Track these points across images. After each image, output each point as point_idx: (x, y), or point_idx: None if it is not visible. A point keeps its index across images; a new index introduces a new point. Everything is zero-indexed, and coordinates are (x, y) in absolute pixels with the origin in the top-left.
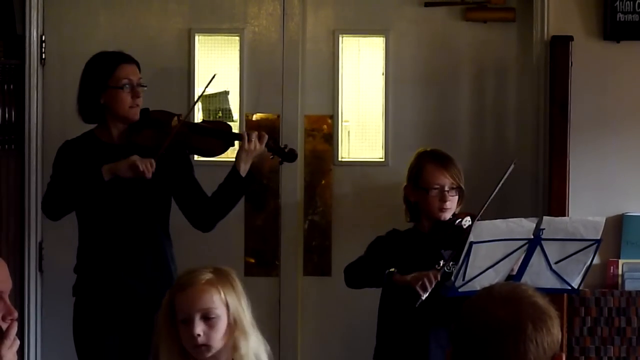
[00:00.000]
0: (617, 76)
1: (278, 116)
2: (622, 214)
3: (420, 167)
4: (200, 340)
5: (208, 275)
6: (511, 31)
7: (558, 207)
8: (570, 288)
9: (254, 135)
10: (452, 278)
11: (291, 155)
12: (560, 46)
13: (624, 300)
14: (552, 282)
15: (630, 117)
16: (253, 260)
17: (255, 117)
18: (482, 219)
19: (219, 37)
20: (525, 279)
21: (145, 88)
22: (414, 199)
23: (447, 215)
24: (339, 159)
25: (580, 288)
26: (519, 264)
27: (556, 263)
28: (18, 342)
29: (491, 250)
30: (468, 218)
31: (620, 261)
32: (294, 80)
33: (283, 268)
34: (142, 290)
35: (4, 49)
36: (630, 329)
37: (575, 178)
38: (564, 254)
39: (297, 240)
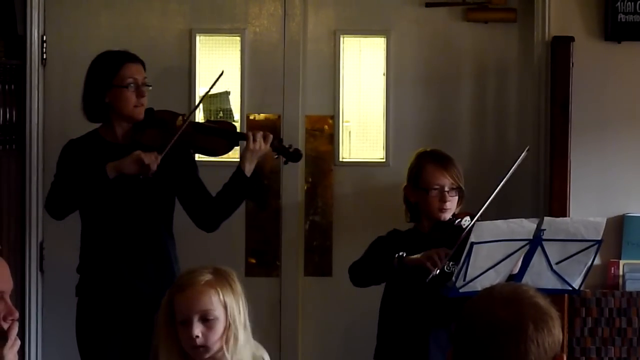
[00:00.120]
0: (618, 77)
1: (279, 116)
2: (623, 215)
3: (420, 167)
4: (199, 341)
5: (207, 277)
6: (512, 32)
7: (559, 207)
8: (571, 288)
9: (259, 135)
10: (453, 278)
11: (296, 155)
12: (561, 47)
13: (625, 301)
14: (553, 283)
15: (631, 118)
16: (254, 261)
17: (256, 117)
18: (483, 218)
19: (220, 38)
20: (526, 279)
21: (150, 88)
22: (414, 200)
23: (447, 216)
24: (340, 159)
25: (581, 289)
26: (520, 264)
27: (557, 263)
28: (19, 342)
29: (492, 251)
30: (468, 218)
31: (621, 262)
32: (295, 81)
33: (284, 268)
34: (145, 291)
35: (4, 49)
36: (631, 329)
37: (576, 178)
38: (564, 254)
39: (298, 241)
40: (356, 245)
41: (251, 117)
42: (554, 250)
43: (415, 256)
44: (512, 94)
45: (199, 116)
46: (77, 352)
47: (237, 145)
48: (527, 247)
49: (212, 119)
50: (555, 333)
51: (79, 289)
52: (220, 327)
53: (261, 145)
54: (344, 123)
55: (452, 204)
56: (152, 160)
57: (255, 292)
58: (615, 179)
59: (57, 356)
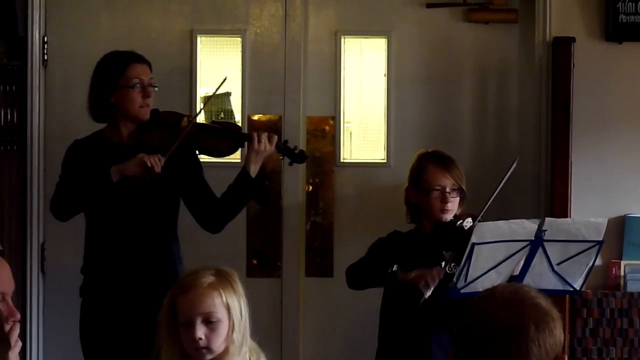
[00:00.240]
0: (619, 77)
1: (280, 117)
2: (624, 215)
3: (422, 168)
4: (202, 343)
5: (210, 278)
6: (513, 32)
7: (560, 208)
8: (572, 289)
9: (264, 136)
10: (454, 279)
11: (301, 157)
12: (562, 47)
13: (626, 302)
14: (554, 284)
15: (633, 118)
16: (255, 261)
17: (257, 118)
18: (484, 220)
19: (221, 38)
20: (528, 280)
21: (156, 88)
22: (415, 200)
23: (449, 217)
24: (341, 160)
25: (583, 289)
26: (521, 265)
27: (558, 264)
28: (20, 343)
29: (493, 252)
30: (469, 219)
31: (622, 262)
32: (296, 82)
33: (285, 269)
34: (149, 292)
35: (6, 50)
36: (632, 330)
37: (578, 179)
38: (566, 255)
39: (299, 242)
40: (357, 246)
41: (254, 118)
42: (555, 251)
43: (408, 274)
44: (513, 95)
45: (201, 117)
46: (78, 353)
47: (243, 146)
48: (528, 248)
49: (214, 119)
50: (557, 334)
51: (83, 289)
52: (223, 329)
53: (266, 146)
54: (345, 124)
55: (453, 205)
56: (156, 162)
57: (256, 292)
58: (617, 180)
59: (58, 357)
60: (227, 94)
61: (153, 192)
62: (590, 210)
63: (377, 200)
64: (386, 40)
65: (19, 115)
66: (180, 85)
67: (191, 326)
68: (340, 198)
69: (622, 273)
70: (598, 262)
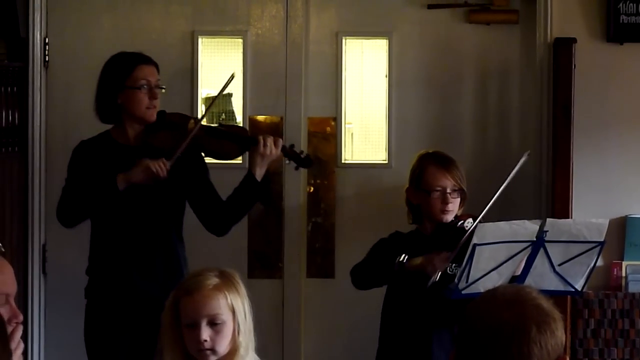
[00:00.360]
0: (620, 78)
1: (281, 118)
2: (626, 216)
3: (422, 169)
4: (207, 345)
5: (215, 280)
6: (514, 33)
7: (561, 209)
8: (573, 290)
9: (270, 140)
10: (456, 280)
11: (307, 161)
12: (563, 48)
13: (628, 302)
14: (555, 284)
15: (634, 119)
16: (256, 262)
17: (258, 119)
18: (485, 220)
19: (222, 40)
20: (529, 281)
21: (164, 90)
22: (416, 201)
23: (449, 217)
24: (342, 161)
25: (584, 290)
26: (523, 266)
27: (560, 265)
28: (22, 345)
29: (494, 252)
30: (470, 220)
31: (624, 263)
32: (297, 83)
33: (286, 270)
34: (154, 293)
35: (7, 51)
36: (633, 331)
37: (579, 180)
38: (567, 256)
39: (301, 242)
40: (359, 247)
41: (259, 119)
42: (556, 252)
43: (415, 260)
44: (514, 96)
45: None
46: (79, 354)
47: (249, 150)
48: (529, 249)
49: (215, 121)
50: (558, 335)
51: (87, 291)
52: (227, 330)
53: (272, 150)
54: (347, 125)
55: (454, 206)
56: (161, 167)
57: (257, 293)
58: (618, 180)
59: (59, 358)
60: (229, 95)
61: (159, 194)
62: (591, 210)
63: (379, 201)
64: (387, 41)
65: (20, 117)
66: (182, 86)
67: (196, 328)
68: (342, 199)
69: (623, 274)
70: (599, 262)
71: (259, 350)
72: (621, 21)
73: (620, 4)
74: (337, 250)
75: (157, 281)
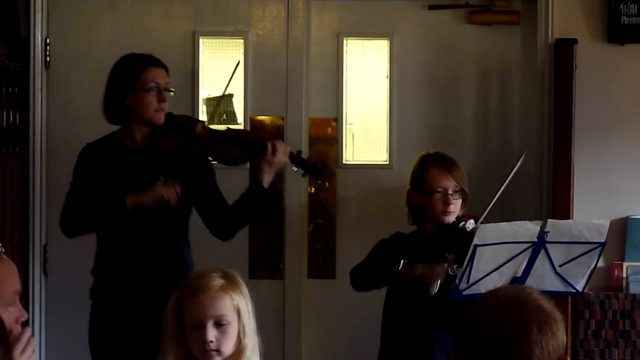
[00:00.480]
0: (621, 79)
1: (282, 119)
2: (627, 217)
3: (424, 170)
4: (213, 346)
5: (220, 281)
6: (515, 34)
7: (562, 209)
8: (574, 291)
9: (279, 146)
10: (457, 281)
11: (314, 169)
12: (564, 49)
13: (629, 303)
14: (556, 285)
15: (635, 120)
16: (258, 263)
17: (259, 119)
18: (486, 221)
19: (223, 40)
20: (530, 281)
21: (172, 93)
22: (417, 202)
23: (451, 219)
24: (343, 162)
25: (585, 291)
26: (524, 266)
27: (560, 266)
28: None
29: (496, 253)
30: (472, 221)
31: (625, 264)
32: (299, 83)
33: (287, 271)
34: (160, 296)
35: (8, 51)
36: (634, 331)
37: (580, 181)
38: (568, 256)
39: (302, 243)
40: (360, 248)
41: (260, 119)
42: (557, 253)
43: (415, 269)
44: (515, 97)
45: (202, 119)
46: (80, 354)
47: (256, 156)
48: (530, 250)
49: (216, 121)
50: (559, 336)
51: (93, 292)
52: (232, 331)
53: (280, 157)
54: (348, 125)
55: (455, 207)
56: (173, 197)
57: (258, 294)
58: (619, 181)
59: (60, 358)
60: (230, 96)
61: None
62: (592, 211)
63: (380, 202)
64: (388, 41)
65: (21, 117)
66: (183, 87)
67: (202, 329)
68: (343, 200)
69: (624, 274)
70: (600, 263)
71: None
72: (622, 22)
73: (621, 5)
74: (338, 251)
75: (163, 283)
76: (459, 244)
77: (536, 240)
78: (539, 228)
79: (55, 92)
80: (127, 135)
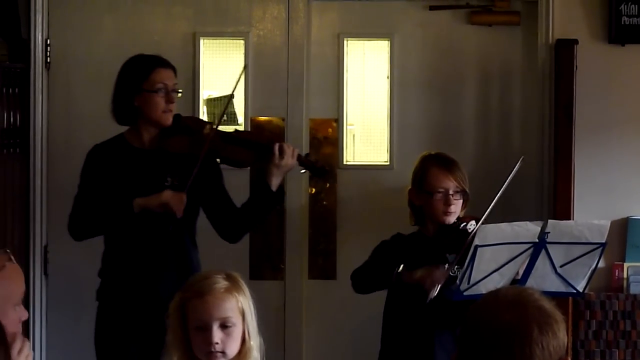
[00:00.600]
0: (622, 79)
1: (283, 119)
2: (627, 218)
3: (425, 170)
4: (218, 347)
5: (224, 283)
6: (516, 35)
7: (563, 210)
8: (575, 291)
9: (287, 149)
10: (458, 281)
11: (322, 171)
12: (565, 49)
13: (629, 304)
14: (557, 286)
15: (635, 120)
16: (258, 264)
17: (260, 120)
18: (487, 222)
19: (224, 41)
20: (531, 282)
21: (180, 94)
22: (419, 203)
23: (452, 219)
24: (344, 163)
25: (586, 291)
26: (524, 267)
27: (561, 266)
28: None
29: (496, 254)
30: (473, 222)
31: (625, 264)
32: (299, 84)
33: (288, 271)
34: (167, 297)
35: (9, 52)
36: (635, 332)
37: (580, 181)
38: (569, 257)
39: (302, 244)
40: (360, 248)
41: (260, 120)
42: (558, 253)
43: (414, 273)
44: (516, 97)
45: (204, 118)
46: (81, 355)
47: (263, 159)
48: (531, 250)
49: (216, 122)
50: (560, 336)
51: (100, 293)
52: (237, 333)
53: (288, 160)
54: (348, 126)
55: (456, 207)
56: (178, 207)
57: (259, 295)
58: (620, 182)
59: (60, 359)
60: (231, 96)
61: None
62: (593, 212)
63: (380, 203)
64: (389, 42)
65: (22, 118)
66: (184, 87)
67: (207, 330)
68: (343, 200)
69: (625, 275)
70: (601, 264)
71: None
72: (623, 22)
73: (622, 6)
74: (338, 252)
75: (170, 286)
76: (460, 244)
77: (537, 240)
78: (539, 228)
79: (55, 93)
80: (134, 137)
